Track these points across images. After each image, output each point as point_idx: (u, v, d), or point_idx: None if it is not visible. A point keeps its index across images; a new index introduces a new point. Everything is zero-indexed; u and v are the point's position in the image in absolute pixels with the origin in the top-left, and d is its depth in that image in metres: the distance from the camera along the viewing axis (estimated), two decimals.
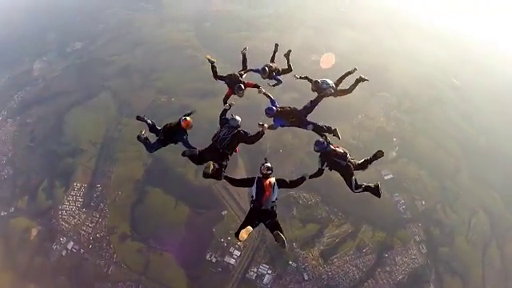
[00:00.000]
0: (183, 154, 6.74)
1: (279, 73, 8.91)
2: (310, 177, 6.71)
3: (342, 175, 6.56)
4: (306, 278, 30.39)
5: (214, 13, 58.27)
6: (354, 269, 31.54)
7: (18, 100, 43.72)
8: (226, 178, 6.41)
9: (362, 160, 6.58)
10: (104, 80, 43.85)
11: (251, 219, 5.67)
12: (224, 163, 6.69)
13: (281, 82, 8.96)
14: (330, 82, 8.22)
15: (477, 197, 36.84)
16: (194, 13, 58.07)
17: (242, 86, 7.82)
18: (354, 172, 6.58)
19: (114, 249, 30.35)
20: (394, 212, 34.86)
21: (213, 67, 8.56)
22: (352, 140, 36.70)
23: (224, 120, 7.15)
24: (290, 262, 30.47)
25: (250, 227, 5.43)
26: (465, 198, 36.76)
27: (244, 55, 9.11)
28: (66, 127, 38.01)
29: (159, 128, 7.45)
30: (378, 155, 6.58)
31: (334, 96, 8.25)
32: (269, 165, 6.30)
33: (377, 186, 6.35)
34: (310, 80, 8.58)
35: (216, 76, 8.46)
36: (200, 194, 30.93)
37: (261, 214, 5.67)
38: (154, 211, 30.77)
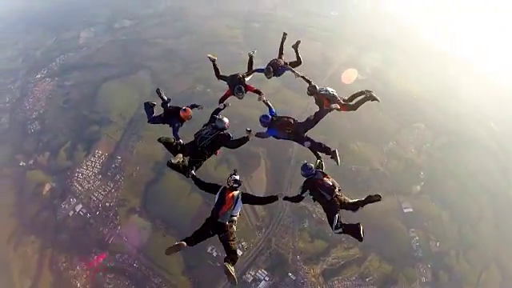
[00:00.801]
0: (159, 140, 6.63)
1: (287, 66, 8.30)
2: (286, 198, 6.22)
3: (324, 209, 5.72)
4: None
5: (264, 15, 58.55)
6: None
7: (59, 62, 45.92)
8: (193, 177, 6.09)
9: (356, 200, 5.68)
10: (145, 60, 45.02)
11: (205, 229, 5.39)
12: (200, 161, 6.35)
13: (293, 70, 8.30)
14: (330, 90, 7.58)
15: (493, 250, 34.70)
16: (244, 12, 58.83)
17: (243, 88, 7.45)
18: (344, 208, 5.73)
19: (120, 221, 30.58)
20: (405, 247, 33.38)
21: (214, 65, 8.20)
22: (379, 166, 35.71)
23: (212, 119, 6.81)
24: (290, 274, 29.52)
25: (183, 243, 5.10)
26: (481, 248, 34.75)
27: (251, 58, 8.60)
28: (100, 97, 39.48)
29: (168, 106, 7.51)
30: (375, 199, 5.64)
31: (338, 110, 7.41)
32: (236, 177, 5.90)
33: (358, 229, 5.40)
34: (307, 81, 7.90)
35: (218, 75, 8.12)
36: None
37: (215, 226, 5.35)
38: (167, 194, 30.86)
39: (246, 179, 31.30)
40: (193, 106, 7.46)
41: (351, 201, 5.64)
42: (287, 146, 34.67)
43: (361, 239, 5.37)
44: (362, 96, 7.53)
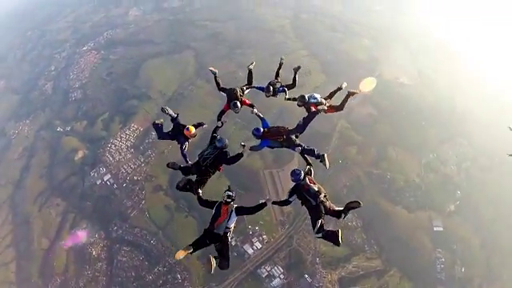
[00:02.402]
0: (168, 165, 7.16)
1: (283, 88, 8.64)
2: (274, 203, 6.48)
3: (309, 213, 5.86)
4: None
5: (314, 7, 57.02)
6: None
7: (106, 37, 47.94)
8: (198, 194, 6.63)
9: (340, 208, 5.70)
10: (191, 40, 45.64)
11: (203, 239, 5.78)
12: (206, 179, 6.92)
13: (285, 91, 8.59)
14: (318, 96, 7.80)
15: None
16: (294, 2, 57.77)
17: (238, 104, 7.77)
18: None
19: (145, 196, 31.06)
20: (429, 267, 31.48)
21: (215, 78, 8.54)
22: (416, 177, 34.04)
23: (213, 138, 7.22)
24: (306, 276, 28.58)
25: (190, 248, 5.50)
26: (507, 283, 32.29)
27: (250, 71, 8.85)
28: (143, 73, 40.59)
29: (176, 122, 7.84)
30: (354, 206, 5.63)
31: (325, 112, 7.57)
32: (230, 193, 6.19)
33: (337, 236, 5.47)
34: (294, 99, 8.10)
35: (219, 88, 8.45)
36: (246, 175, 30.47)
37: (212, 237, 5.73)
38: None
39: (277, 171, 31.24)
40: (198, 125, 7.79)
41: (336, 208, 5.73)
42: (325, 143, 34.11)
43: (338, 244, 5.53)
44: (344, 96, 7.89)
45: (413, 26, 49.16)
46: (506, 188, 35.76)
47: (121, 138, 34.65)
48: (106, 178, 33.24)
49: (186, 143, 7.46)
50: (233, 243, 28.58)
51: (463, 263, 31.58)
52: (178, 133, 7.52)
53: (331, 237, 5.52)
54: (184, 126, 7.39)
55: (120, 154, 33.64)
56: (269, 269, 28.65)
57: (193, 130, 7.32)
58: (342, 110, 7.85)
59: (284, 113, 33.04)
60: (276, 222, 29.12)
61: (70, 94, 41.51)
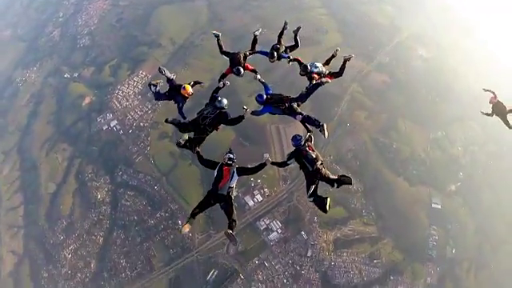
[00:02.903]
0: (166, 121, 7.35)
1: (286, 51, 8.75)
2: (273, 163, 6.83)
3: (305, 178, 6.29)
4: (309, 254, 29.23)
5: None
6: (357, 272, 29.71)
7: None
8: (198, 153, 6.80)
9: (335, 177, 5.99)
10: None
11: (207, 200, 6.05)
12: (203, 137, 7.08)
13: (289, 57, 8.64)
14: (319, 65, 7.82)
15: (505, 279, 32.55)
16: None
17: (241, 69, 7.90)
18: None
19: (150, 142, 31.29)
20: (422, 242, 32.03)
21: (218, 41, 8.54)
22: (421, 152, 33.81)
23: (213, 98, 7.29)
24: (303, 233, 29.37)
25: (192, 220, 5.84)
26: (494, 272, 32.68)
27: (255, 37, 8.79)
28: (154, 19, 39.28)
29: (173, 83, 7.89)
30: (346, 181, 5.92)
31: (324, 77, 7.75)
32: (231, 156, 6.50)
33: (324, 203, 5.91)
34: (299, 63, 8.09)
35: (221, 51, 8.47)
36: (252, 128, 29.97)
37: (216, 197, 6.02)
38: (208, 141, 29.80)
39: (283, 127, 30.86)
40: (195, 83, 7.88)
41: (331, 176, 6.01)
42: (334, 103, 33.66)
43: (325, 212, 6.00)
44: (342, 61, 8.01)
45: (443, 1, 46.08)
46: (510, 177, 35.19)
47: (128, 84, 34.31)
48: (112, 124, 33.36)
49: (184, 101, 7.60)
50: (234, 194, 28.95)
51: (455, 244, 32.07)
52: (174, 93, 7.62)
53: (320, 203, 5.96)
54: (180, 86, 7.48)
55: (127, 101, 33.48)
56: (267, 222, 29.46)
57: (189, 88, 7.43)
58: (341, 75, 8.03)
59: (296, 71, 32.14)
60: (278, 176, 29.39)
61: (78, 40, 40.58)
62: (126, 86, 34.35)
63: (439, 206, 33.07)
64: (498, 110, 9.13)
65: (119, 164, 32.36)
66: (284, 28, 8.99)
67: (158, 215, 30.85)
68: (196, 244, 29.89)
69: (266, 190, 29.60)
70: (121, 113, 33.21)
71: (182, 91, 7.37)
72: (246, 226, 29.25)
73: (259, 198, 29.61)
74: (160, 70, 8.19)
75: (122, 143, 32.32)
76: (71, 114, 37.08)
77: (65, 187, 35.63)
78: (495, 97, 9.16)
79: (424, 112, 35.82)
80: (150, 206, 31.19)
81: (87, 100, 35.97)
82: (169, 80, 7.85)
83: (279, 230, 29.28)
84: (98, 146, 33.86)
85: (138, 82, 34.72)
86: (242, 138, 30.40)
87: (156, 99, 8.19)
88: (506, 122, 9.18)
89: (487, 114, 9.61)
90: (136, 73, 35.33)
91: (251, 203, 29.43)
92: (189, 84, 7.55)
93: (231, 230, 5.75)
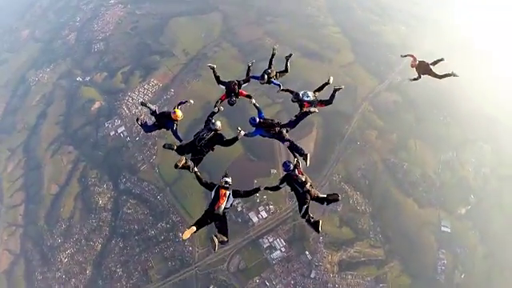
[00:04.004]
0: (163, 146, 7.58)
1: (276, 77, 9.22)
2: (266, 188, 7.17)
3: (297, 199, 6.71)
4: (313, 276, 28.06)
5: None
6: None
7: None
8: (196, 174, 7.09)
9: (324, 195, 6.56)
10: (220, 3, 44.62)
11: (204, 219, 6.37)
12: (200, 158, 7.47)
13: (279, 85, 9.09)
14: (311, 94, 8.25)
15: None
16: None
17: (234, 98, 8.49)
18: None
19: (157, 151, 30.99)
20: (430, 266, 30.77)
21: (214, 73, 9.04)
22: (432, 173, 33.07)
23: (208, 121, 7.80)
24: (307, 253, 28.33)
25: (194, 227, 6.10)
26: None
27: (249, 67, 9.47)
28: (168, 30, 39.97)
29: (157, 114, 8.16)
30: (334, 198, 6.48)
31: (314, 106, 8.15)
32: (227, 179, 6.84)
33: (318, 225, 6.37)
34: (290, 92, 8.65)
35: (218, 81, 8.96)
36: (261, 143, 29.24)
37: (213, 217, 6.35)
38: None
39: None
40: (180, 104, 8.15)
41: (320, 195, 6.51)
42: (344, 121, 33.44)
43: (318, 231, 6.51)
44: (332, 90, 8.33)
45: (454, 21, 46.26)
46: None
47: (139, 91, 34.46)
48: (119, 130, 33.27)
49: (175, 125, 7.85)
50: (238, 209, 28.47)
51: (464, 269, 30.74)
52: (164, 120, 7.88)
53: (313, 224, 6.36)
54: (169, 112, 7.76)
55: (136, 108, 33.53)
56: (271, 240, 28.53)
57: (179, 112, 7.72)
58: (331, 103, 8.32)
59: (308, 85, 32.04)
60: (285, 193, 28.60)
61: (93, 45, 41.34)
62: (137, 93, 34.50)
63: (448, 230, 32.00)
64: (422, 69, 9.26)
65: (123, 171, 32.03)
66: (273, 54, 9.49)
67: (159, 226, 30.18)
68: (196, 258, 29.05)
69: (271, 206, 28.86)
70: (129, 119, 33.19)
71: (173, 115, 7.65)
72: (248, 243, 28.40)
73: (264, 214, 28.84)
74: (143, 104, 8.59)
75: (128, 150, 32.14)
76: (80, 118, 37.23)
77: (67, 190, 35.33)
78: (415, 59, 9.24)
79: (435, 133, 35.25)
80: (151, 215, 30.59)
81: (97, 104, 36.14)
82: (153, 112, 8.12)
83: (283, 249, 28.29)
84: (104, 152, 33.70)
85: (148, 90, 34.87)
86: (250, 153, 30.00)
87: (147, 132, 8.45)
88: (435, 75, 9.23)
89: (415, 79, 9.58)
90: (147, 80, 35.53)
91: (255, 219, 28.63)
92: (178, 108, 7.83)
93: (217, 238, 6.06)
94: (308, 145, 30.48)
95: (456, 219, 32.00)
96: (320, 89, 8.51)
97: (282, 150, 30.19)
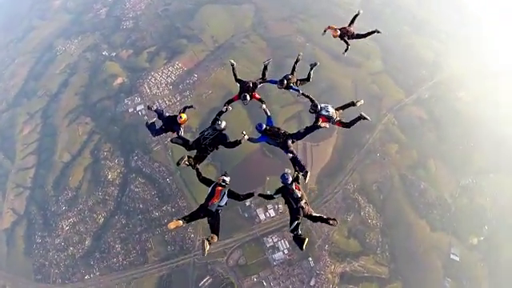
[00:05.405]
0: (171, 141, 7.78)
1: (297, 84, 8.89)
2: (260, 195, 7.21)
3: (289, 212, 6.53)
4: (312, 283, 27.34)
5: None
6: None
7: None
8: (197, 170, 7.16)
9: (318, 215, 6.34)
10: None
11: (197, 213, 6.39)
12: (204, 155, 7.53)
13: (298, 90, 8.75)
14: (331, 110, 7.83)
15: None
16: None
17: (248, 97, 8.33)
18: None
19: (172, 134, 30.59)
20: None
21: (233, 69, 9.02)
22: (448, 197, 31.93)
23: (215, 120, 7.83)
24: (310, 259, 27.63)
25: (180, 221, 6.03)
26: None
27: (265, 66, 9.25)
28: (199, 16, 39.89)
29: (164, 117, 8.32)
30: (330, 223, 6.21)
31: (332, 123, 7.89)
32: (225, 178, 6.86)
33: (303, 242, 6.09)
34: (310, 100, 8.19)
35: (236, 79, 8.90)
36: None
37: (205, 212, 6.38)
38: (229, 126, 29.15)
39: (311, 145, 29.87)
40: (185, 109, 8.31)
41: (314, 214, 6.36)
42: (366, 131, 32.48)
43: (301, 249, 6.23)
44: (358, 115, 7.93)
45: (491, 45, 44.60)
46: None
47: (162, 72, 34.37)
48: (138, 108, 33.27)
49: (181, 129, 8.04)
50: (247, 203, 27.90)
51: None
52: (170, 123, 8.07)
53: (298, 241, 6.17)
54: (175, 116, 7.98)
55: (158, 88, 33.40)
56: (275, 240, 27.96)
57: (185, 116, 7.91)
58: (348, 128, 8.00)
59: (331, 88, 31.44)
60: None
61: (123, 22, 41.59)
62: (160, 73, 34.43)
63: (458, 258, 30.71)
64: (346, 34, 9.02)
65: (137, 149, 31.95)
66: (297, 60, 9.19)
67: (164, 208, 30.01)
68: (196, 246, 28.69)
69: (280, 206, 28.18)
70: (149, 99, 33.14)
71: (180, 120, 7.86)
72: (251, 240, 27.89)
73: (272, 213, 28.28)
74: (149, 108, 8.88)
75: (143, 128, 31.35)
76: (100, 91, 37.43)
77: (78, 160, 35.56)
78: (335, 30, 8.98)
79: (457, 155, 34.02)
80: (158, 197, 30.41)
81: (119, 80, 36.25)
82: (160, 115, 8.30)
83: (286, 251, 27.65)
84: (120, 127, 33.73)
85: (172, 72, 34.77)
86: (267, 149, 29.42)
87: (154, 135, 8.61)
88: (360, 36, 9.14)
89: (346, 50, 9.26)
90: (172, 63, 35.46)
91: (262, 217, 28.09)
92: (183, 112, 8.08)
93: (208, 242, 6.00)
94: (326, 149, 29.82)
95: (466, 249, 30.68)
96: (343, 107, 8.13)
97: (299, 149, 29.51)
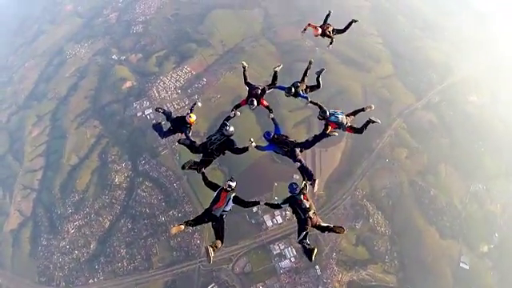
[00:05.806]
0: (178, 142, 7.69)
1: (306, 91, 8.75)
2: (266, 204, 7.08)
3: (297, 222, 6.47)
4: None
5: None
6: None
7: None
8: (203, 174, 7.12)
9: (326, 225, 6.27)
10: (263, 0, 44.40)
11: (202, 217, 6.40)
12: (210, 160, 7.46)
13: (307, 97, 8.60)
14: (341, 116, 7.67)
15: None
16: None
17: (255, 102, 8.13)
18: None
19: (180, 137, 30.63)
20: None
21: (244, 72, 8.87)
22: (458, 203, 31.35)
23: (222, 125, 7.69)
24: (317, 267, 27.12)
25: (182, 226, 6.10)
26: None
27: (275, 72, 8.98)
28: (208, 20, 40.39)
29: (172, 118, 8.33)
30: (337, 231, 6.17)
31: (343, 130, 7.72)
32: (230, 183, 6.71)
33: (311, 253, 6.09)
34: (319, 106, 8.07)
35: (245, 81, 8.69)
36: None
37: (210, 217, 6.37)
38: (237, 131, 29.14)
39: (320, 150, 29.65)
40: (192, 108, 8.29)
41: (322, 224, 6.31)
42: (375, 136, 32.23)
43: (310, 260, 6.21)
44: (367, 119, 7.84)
45: (503, 48, 44.03)
46: None
47: (171, 77, 34.68)
48: (146, 112, 33.48)
49: (189, 130, 8.00)
50: (254, 210, 27.61)
51: None
52: (179, 124, 8.07)
53: (307, 251, 6.16)
54: (184, 117, 7.97)
55: (166, 92, 33.65)
56: (282, 247, 27.56)
57: (194, 116, 7.90)
58: (361, 133, 7.85)
59: (341, 93, 31.23)
60: None
61: (133, 26, 42.28)
62: (169, 78, 34.76)
63: (467, 267, 29.99)
64: (326, 31, 8.99)
65: (144, 153, 32.01)
66: (308, 67, 9.02)
67: (170, 213, 29.86)
68: (202, 253, 28.39)
69: (288, 213, 27.84)
70: (158, 102, 33.38)
71: (189, 120, 7.82)
72: (258, 247, 27.53)
73: (279, 219, 27.95)
74: (157, 109, 8.82)
75: (151, 133, 31.78)
76: (109, 94, 37.80)
77: (86, 163, 35.72)
78: (316, 29, 8.98)
79: (467, 160, 33.48)
80: (164, 202, 30.30)
81: (128, 84, 36.65)
82: (168, 117, 8.28)
83: (292, 259, 27.20)
84: (128, 131, 33.91)
85: (180, 77, 35.10)
86: (275, 155, 28.93)
87: (162, 138, 8.50)
88: (340, 30, 9.21)
89: (331, 43, 9.29)
90: (181, 67, 35.81)
91: (269, 223, 27.78)
92: (192, 112, 8.03)
93: (213, 248, 5.96)
94: (335, 155, 29.59)
95: (477, 257, 30.01)
96: (353, 113, 7.98)
97: (307, 155, 29.34)
